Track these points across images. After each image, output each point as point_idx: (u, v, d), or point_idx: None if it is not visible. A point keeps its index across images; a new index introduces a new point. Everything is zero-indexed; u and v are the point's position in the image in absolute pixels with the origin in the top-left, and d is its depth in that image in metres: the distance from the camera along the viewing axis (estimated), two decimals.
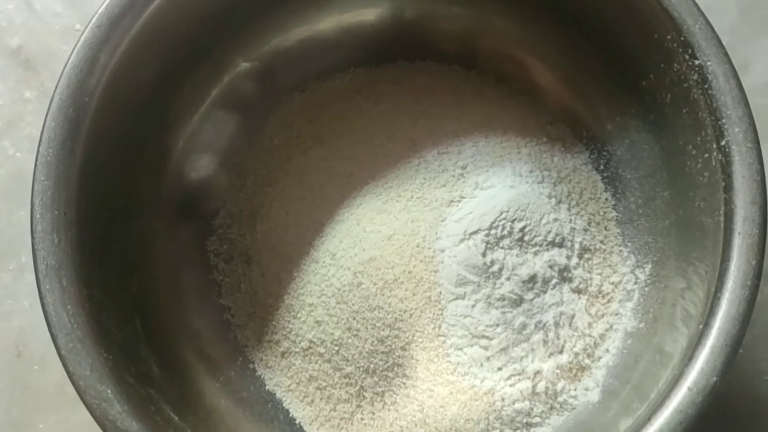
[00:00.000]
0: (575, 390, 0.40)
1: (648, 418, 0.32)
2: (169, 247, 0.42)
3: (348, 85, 0.45)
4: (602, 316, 0.41)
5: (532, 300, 0.40)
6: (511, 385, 0.39)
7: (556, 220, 0.41)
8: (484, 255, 0.39)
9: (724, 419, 0.43)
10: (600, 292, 0.41)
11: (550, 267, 0.40)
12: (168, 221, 0.42)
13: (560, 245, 0.41)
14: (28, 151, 0.49)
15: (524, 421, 0.39)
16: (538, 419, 0.39)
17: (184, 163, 0.43)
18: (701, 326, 0.33)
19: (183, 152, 0.43)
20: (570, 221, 0.42)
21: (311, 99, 0.45)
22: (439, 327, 0.39)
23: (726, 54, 0.35)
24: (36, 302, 0.46)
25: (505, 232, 0.40)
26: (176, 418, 0.36)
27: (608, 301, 0.41)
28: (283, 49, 0.44)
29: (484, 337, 0.39)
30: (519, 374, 0.39)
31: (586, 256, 0.42)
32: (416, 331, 0.39)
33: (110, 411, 0.32)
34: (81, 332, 0.33)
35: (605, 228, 0.42)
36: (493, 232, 0.40)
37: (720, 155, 0.35)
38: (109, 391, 0.33)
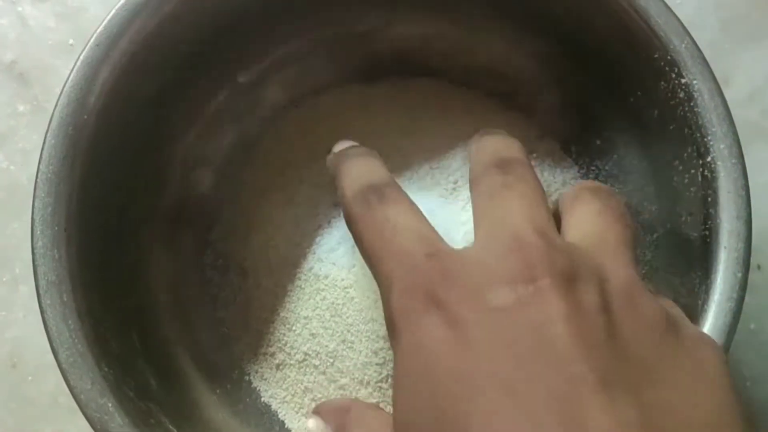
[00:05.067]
0: None
1: None
2: (166, 261, 0.42)
3: (341, 100, 0.46)
4: None
5: None
6: None
7: None
8: None
9: None
10: None
11: None
12: (165, 236, 0.42)
13: None
14: (21, 164, 0.50)
15: None
16: None
17: (181, 178, 0.43)
18: None
19: (180, 167, 0.43)
20: None
21: (305, 114, 0.46)
22: None
23: (711, 72, 0.36)
24: (30, 314, 0.47)
25: None
26: (175, 430, 0.36)
27: None
28: (278, 66, 0.45)
29: None
30: None
31: None
32: None
33: (111, 424, 0.33)
34: (82, 347, 0.33)
35: None
36: None
37: (706, 171, 0.35)
38: (110, 405, 0.33)
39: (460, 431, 0.24)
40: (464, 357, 0.25)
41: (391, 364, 0.40)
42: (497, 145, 0.34)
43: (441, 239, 0.30)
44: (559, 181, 0.44)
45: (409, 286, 0.27)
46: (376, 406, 0.37)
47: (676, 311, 0.30)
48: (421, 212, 0.31)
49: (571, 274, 0.26)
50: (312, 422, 0.34)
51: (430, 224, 0.30)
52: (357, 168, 0.33)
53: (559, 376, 0.23)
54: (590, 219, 0.30)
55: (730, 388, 0.27)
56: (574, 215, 0.31)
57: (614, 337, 0.25)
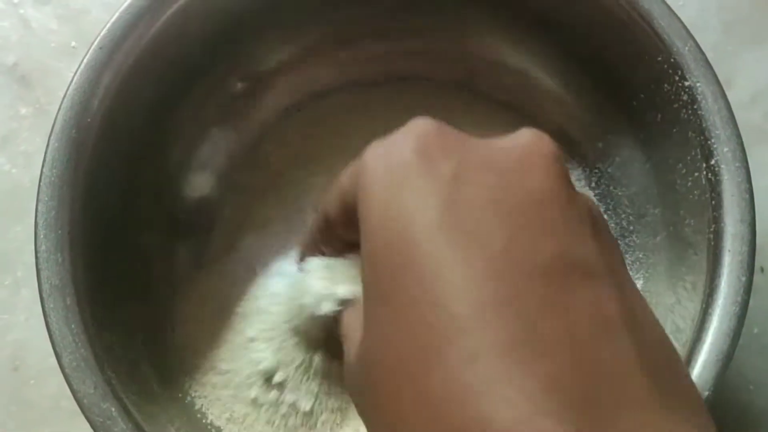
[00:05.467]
0: None
1: None
2: (168, 264, 0.42)
3: (343, 103, 0.46)
4: None
5: None
6: None
7: None
8: None
9: None
10: None
11: None
12: (168, 239, 0.42)
13: None
14: (23, 167, 0.50)
15: None
16: None
17: (183, 181, 0.43)
18: (693, 341, 0.34)
19: (182, 170, 0.43)
20: None
21: (307, 117, 0.46)
22: None
23: (714, 75, 0.36)
24: (32, 317, 0.47)
25: None
26: None
27: None
28: (280, 69, 0.45)
29: None
30: None
31: None
32: None
33: (114, 429, 0.33)
34: (85, 351, 0.33)
35: None
36: None
37: (709, 174, 0.35)
38: (113, 409, 0.33)
39: (422, 298, 0.22)
40: (447, 222, 0.23)
41: None
42: None
43: None
44: None
45: (394, 147, 0.25)
46: None
47: None
48: None
49: (565, 169, 0.25)
50: None
51: None
52: None
53: (543, 253, 0.22)
54: None
55: (662, 327, 0.26)
56: None
57: (599, 242, 0.24)
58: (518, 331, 0.21)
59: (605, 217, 0.43)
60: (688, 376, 0.25)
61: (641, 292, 0.40)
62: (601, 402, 0.21)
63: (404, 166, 0.24)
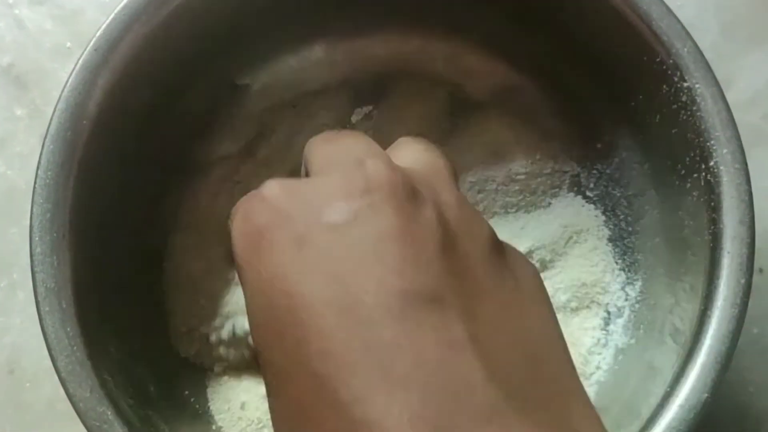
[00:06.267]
0: None
1: None
2: (163, 267, 0.42)
3: (341, 103, 0.46)
4: (593, 332, 0.42)
5: None
6: None
7: None
8: None
9: (711, 431, 0.44)
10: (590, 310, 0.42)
11: None
12: (163, 241, 0.42)
13: None
14: (19, 169, 0.49)
15: None
16: None
17: (179, 182, 0.43)
18: (692, 343, 0.34)
19: (178, 171, 0.43)
20: None
21: (304, 115, 0.45)
22: None
23: (714, 76, 0.36)
24: (27, 319, 0.47)
25: None
26: None
27: (599, 317, 0.42)
28: (277, 70, 0.44)
29: None
30: None
31: None
32: None
33: None
34: (81, 354, 0.33)
35: (595, 246, 0.43)
36: None
37: (708, 175, 0.35)
38: (109, 413, 0.33)
39: (296, 353, 0.24)
40: (299, 280, 0.25)
41: None
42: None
43: None
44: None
45: (249, 214, 0.27)
46: None
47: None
48: None
49: (408, 190, 0.26)
50: None
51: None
52: None
53: (389, 293, 0.24)
54: (418, 154, 0.31)
55: (547, 302, 0.28)
56: (402, 152, 0.31)
57: (449, 252, 0.25)
58: (375, 366, 0.23)
59: (603, 219, 0.43)
60: (559, 380, 0.26)
61: (640, 294, 0.40)
62: (455, 422, 0.22)
63: (260, 232, 0.26)
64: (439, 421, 0.22)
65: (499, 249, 0.28)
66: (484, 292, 0.26)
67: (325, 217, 0.26)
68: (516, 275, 0.27)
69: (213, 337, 0.41)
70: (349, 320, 0.23)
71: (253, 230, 0.27)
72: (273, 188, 0.27)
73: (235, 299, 0.42)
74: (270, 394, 0.26)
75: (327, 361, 0.23)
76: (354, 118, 0.45)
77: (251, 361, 0.42)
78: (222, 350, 0.42)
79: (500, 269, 0.27)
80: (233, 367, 0.42)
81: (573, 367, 0.27)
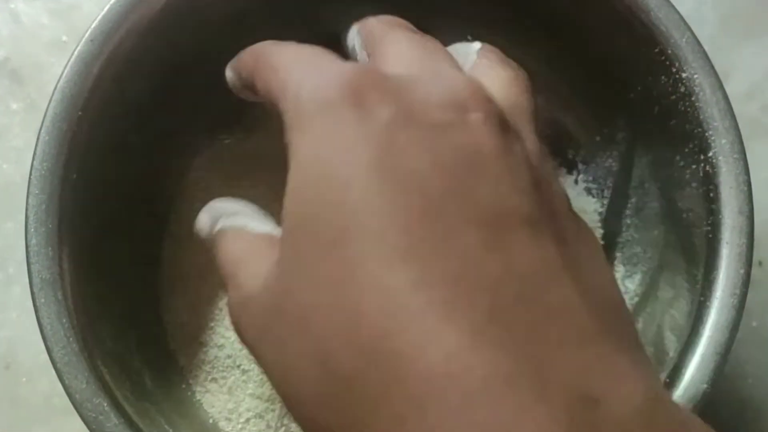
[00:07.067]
0: None
1: None
2: (160, 257, 0.42)
3: None
4: None
5: None
6: None
7: None
8: None
9: (709, 422, 0.43)
10: None
11: None
12: (160, 233, 0.42)
13: None
14: (15, 163, 0.49)
15: None
16: None
17: (176, 174, 0.43)
18: (690, 334, 0.34)
19: (175, 162, 0.43)
20: None
21: None
22: None
23: (712, 67, 0.36)
24: (23, 313, 0.47)
25: None
26: (171, 430, 0.36)
27: None
28: None
29: None
30: None
31: None
32: None
33: (107, 424, 0.32)
34: (77, 345, 0.33)
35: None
36: None
37: (707, 166, 0.35)
38: (105, 404, 0.33)
39: (339, 260, 0.22)
40: (374, 166, 0.22)
41: None
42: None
43: None
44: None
45: (327, 83, 0.24)
46: None
47: None
48: None
49: (503, 123, 0.25)
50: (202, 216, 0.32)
51: None
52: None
53: (489, 204, 0.22)
54: (505, 85, 0.29)
55: (612, 271, 0.28)
56: (487, 77, 0.30)
57: (538, 190, 0.24)
58: (458, 265, 0.21)
59: (602, 211, 0.43)
60: (631, 322, 0.26)
61: (639, 287, 0.40)
62: (545, 337, 0.21)
63: (338, 106, 0.23)
64: (530, 336, 0.21)
65: (574, 211, 0.27)
66: (570, 235, 0.25)
67: (416, 113, 0.24)
68: (588, 239, 0.27)
69: (208, 333, 0.41)
70: (432, 212, 0.22)
71: (334, 104, 0.24)
72: (359, 67, 0.26)
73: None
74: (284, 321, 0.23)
75: (395, 241, 0.21)
76: None
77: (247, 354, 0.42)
78: (216, 347, 0.42)
79: (578, 227, 0.26)
80: (229, 361, 0.42)
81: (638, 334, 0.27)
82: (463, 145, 0.23)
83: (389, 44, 0.30)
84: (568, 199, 0.27)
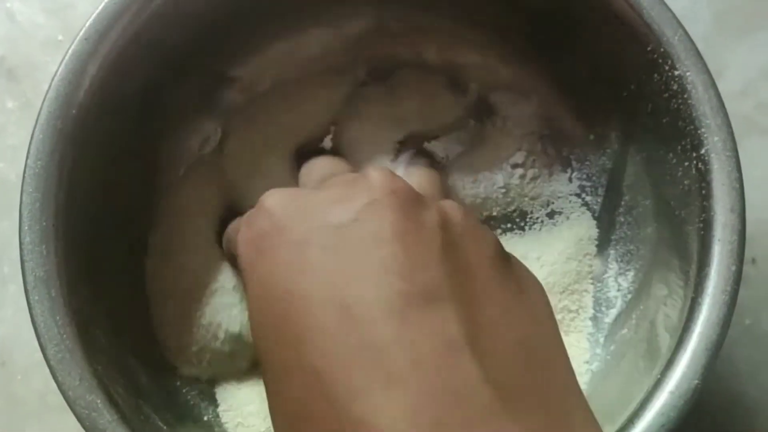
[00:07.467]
0: None
1: (631, 421, 0.33)
2: (155, 254, 0.42)
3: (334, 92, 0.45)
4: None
5: None
6: None
7: None
8: None
9: (703, 420, 0.44)
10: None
11: None
12: (153, 232, 0.42)
13: None
14: (10, 162, 0.49)
15: None
16: None
17: (169, 172, 0.43)
18: (682, 330, 0.34)
19: (168, 161, 0.43)
20: None
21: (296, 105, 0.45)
22: None
23: (705, 65, 0.36)
24: (18, 312, 0.47)
25: None
26: (164, 427, 0.36)
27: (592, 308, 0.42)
28: (268, 60, 0.44)
29: None
30: None
31: None
32: None
33: (100, 421, 0.32)
34: (70, 343, 0.33)
35: (588, 237, 0.43)
36: None
37: (699, 164, 0.35)
38: (99, 401, 0.33)
39: (296, 350, 0.24)
40: (300, 279, 0.25)
41: None
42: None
43: None
44: (554, 188, 0.44)
45: (252, 222, 0.29)
46: None
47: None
48: None
49: (412, 194, 0.27)
50: None
51: None
52: None
53: (388, 292, 0.24)
54: (410, 170, 0.33)
55: (551, 316, 0.28)
56: (408, 173, 0.33)
57: (451, 255, 0.26)
58: (376, 371, 0.23)
59: (596, 208, 0.43)
60: (559, 387, 0.26)
61: (632, 285, 0.40)
62: (450, 421, 0.22)
63: (262, 237, 0.28)
64: (434, 420, 0.22)
65: (505, 258, 0.28)
66: (486, 296, 0.26)
67: (328, 218, 0.26)
68: (521, 286, 0.28)
69: (198, 336, 0.41)
70: (347, 318, 0.24)
71: (256, 236, 0.28)
72: (274, 197, 0.29)
73: (224, 298, 0.42)
74: (269, 393, 0.26)
75: (325, 359, 0.24)
76: (347, 110, 0.45)
77: (237, 360, 0.42)
78: (206, 350, 0.41)
79: (505, 277, 0.27)
80: (220, 365, 0.42)
81: (574, 376, 0.28)
82: (364, 238, 0.26)
83: (310, 174, 0.37)
84: (496, 245, 0.28)
